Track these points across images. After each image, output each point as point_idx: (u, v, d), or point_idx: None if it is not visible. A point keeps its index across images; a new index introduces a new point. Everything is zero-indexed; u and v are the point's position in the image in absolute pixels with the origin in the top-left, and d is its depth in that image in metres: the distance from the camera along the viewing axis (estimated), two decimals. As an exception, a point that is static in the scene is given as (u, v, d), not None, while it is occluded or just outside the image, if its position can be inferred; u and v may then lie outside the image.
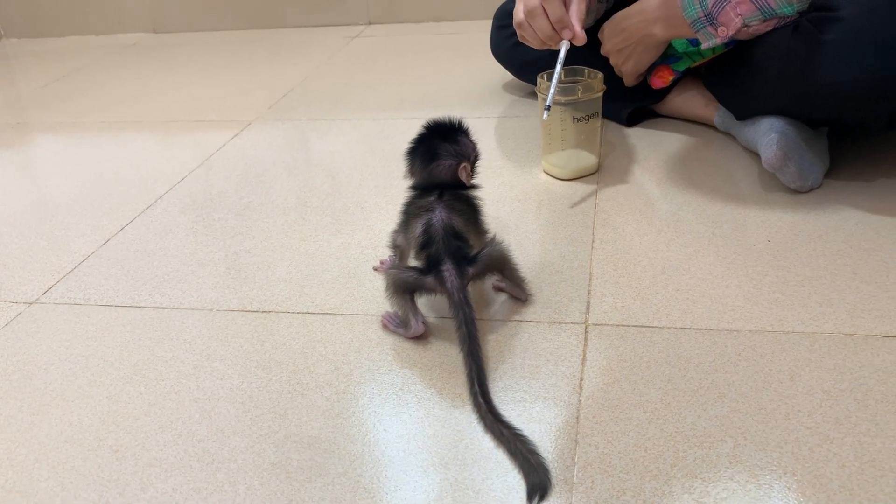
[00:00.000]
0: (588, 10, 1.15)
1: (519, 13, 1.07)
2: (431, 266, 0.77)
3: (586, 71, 1.10)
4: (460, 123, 0.85)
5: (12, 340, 0.87)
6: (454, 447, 0.67)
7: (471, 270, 0.78)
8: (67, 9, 2.28)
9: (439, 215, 0.80)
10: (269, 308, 0.89)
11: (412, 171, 0.85)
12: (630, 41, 1.17)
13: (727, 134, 1.22)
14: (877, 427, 0.65)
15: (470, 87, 1.58)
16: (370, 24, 2.15)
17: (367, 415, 0.71)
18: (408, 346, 0.80)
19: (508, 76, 1.56)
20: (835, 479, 0.60)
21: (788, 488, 0.60)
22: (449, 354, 0.78)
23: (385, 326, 0.83)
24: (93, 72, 1.96)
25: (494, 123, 1.38)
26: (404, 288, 0.80)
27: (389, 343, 0.81)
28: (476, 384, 0.69)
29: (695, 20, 1.04)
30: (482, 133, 1.34)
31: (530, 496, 0.61)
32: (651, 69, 1.23)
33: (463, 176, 0.83)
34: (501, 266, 0.83)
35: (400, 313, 0.81)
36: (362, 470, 0.65)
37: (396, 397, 0.73)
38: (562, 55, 1.05)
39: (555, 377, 0.74)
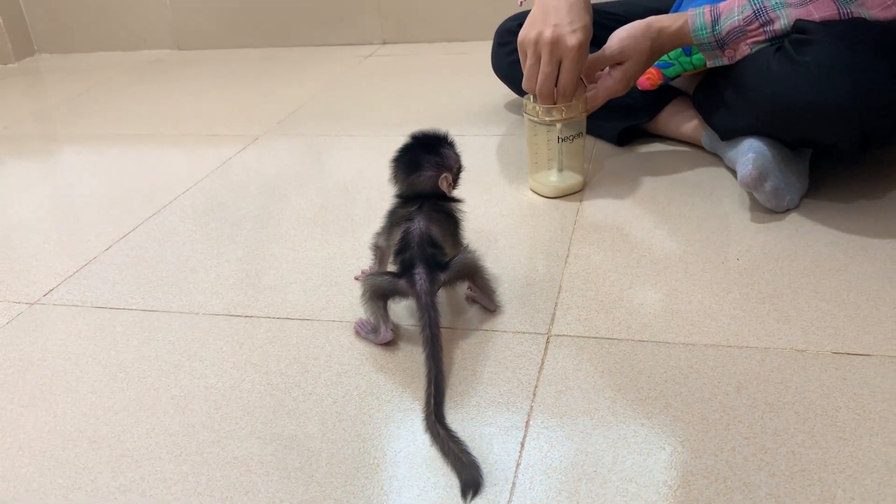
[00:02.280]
0: None
1: (528, 36, 1.08)
2: (405, 270, 0.81)
3: (570, 92, 1.13)
4: (445, 136, 0.89)
5: (11, 338, 0.93)
6: (406, 447, 0.70)
7: (442, 276, 0.82)
8: (96, 26, 2.37)
9: (418, 224, 0.83)
10: (251, 313, 0.93)
11: (396, 179, 0.89)
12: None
13: (715, 154, 1.24)
14: (812, 439, 0.67)
15: (474, 105, 1.62)
16: (384, 43, 2.21)
17: (330, 415, 0.75)
18: (376, 351, 0.84)
19: (512, 95, 1.60)
20: (763, 487, 0.63)
21: (717, 493, 0.62)
22: (414, 361, 0.82)
23: (357, 333, 0.87)
24: (115, 86, 2.04)
25: (491, 141, 1.42)
26: (379, 294, 0.84)
27: (359, 348, 0.85)
28: (432, 385, 0.73)
29: (703, 42, 1.07)
30: (479, 150, 1.38)
31: (464, 493, 0.64)
32: None
33: (443, 186, 0.87)
34: (472, 274, 0.86)
35: (372, 320, 0.84)
36: (318, 465, 0.69)
37: (359, 399, 0.77)
38: None
39: (511, 384, 0.77)
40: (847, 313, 0.83)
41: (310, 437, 0.72)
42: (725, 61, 1.08)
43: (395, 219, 0.86)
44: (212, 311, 0.94)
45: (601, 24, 1.23)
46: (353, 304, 0.92)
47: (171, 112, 1.78)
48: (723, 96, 1.14)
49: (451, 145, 0.89)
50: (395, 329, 0.85)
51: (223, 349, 0.87)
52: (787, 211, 1.05)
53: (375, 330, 0.84)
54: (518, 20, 1.46)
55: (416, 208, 0.85)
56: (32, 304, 1.00)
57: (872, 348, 0.77)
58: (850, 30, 0.95)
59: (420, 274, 0.80)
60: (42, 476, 0.71)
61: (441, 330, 0.78)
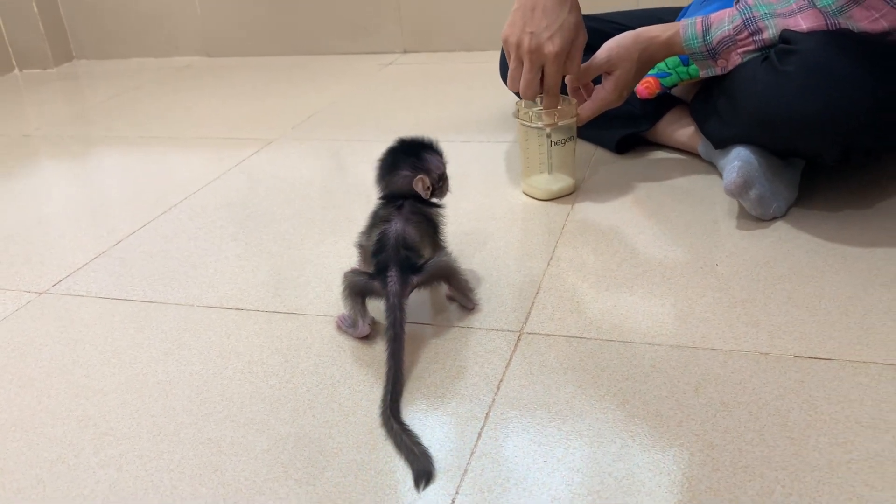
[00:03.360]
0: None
1: (508, 38, 1.10)
2: (379, 272, 0.85)
3: (561, 98, 1.15)
4: (431, 142, 0.92)
5: (18, 324, 0.98)
6: (369, 433, 0.73)
7: (414, 279, 0.85)
8: (131, 33, 2.47)
9: (395, 226, 0.87)
10: (242, 306, 0.97)
11: (378, 179, 0.93)
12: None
13: (710, 163, 1.25)
14: (760, 437, 0.68)
15: (484, 112, 1.65)
16: (405, 52, 2.25)
17: (302, 402, 0.79)
18: (353, 344, 0.87)
19: (521, 103, 1.63)
20: (704, 481, 0.64)
21: (659, 486, 0.64)
22: (388, 353, 0.85)
23: (338, 326, 0.90)
24: (146, 91, 2.12)
25: (495, 147, 1.45)
26: (356, 290, 0.87)
27: (338, 341, 0.88)
28: (390, 382, 0.76)
29: (695, 52, 1.09)
30: (481, 156, 1.41)
31: (417, 482, 0.67)
32: None
33: (419, 187, 0.90)
34: (447, 276, 0.89)
35: (351, 314, 0.88)
36: (284, 448, 0.72)
37: (332, 388, 0.80)
38: None
39: (477, 378, 0.80)
40: (816, 319, 0.84)
41: (280, 422, 0.76)
42: (718, 71, 1.10)
43: (375, 220, 0.90)
44: (206, 303, 0.99)
45: (602, 32, 1.26)
46: (338, 300, 0.95)
47: (194, 116, 1.85)
48: (715, 105, 1.16)
49: (435, 151, 0.91)
50: (373, 324, 0.88)
51: (211, 339, 0.91)
52: (774, 219, 1.06)
53: (354, 324, 0.87)
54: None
55: (395, 209, 0.88)
56: (41, 294, 1.05)
57: (835, 353, 0.78)
58: (832, 40, 0.96)
59: (392, 276, 0.83)
60: (30, 450, 0.75)
61: (405, 331, 0.81)
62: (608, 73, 1.14)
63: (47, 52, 2.46)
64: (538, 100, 1.17)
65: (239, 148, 1.57)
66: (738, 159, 1.05)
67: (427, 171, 0.90)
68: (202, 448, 0.74)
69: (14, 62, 2.50)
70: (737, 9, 1.06)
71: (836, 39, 0.97)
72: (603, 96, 1.15)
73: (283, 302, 0.97)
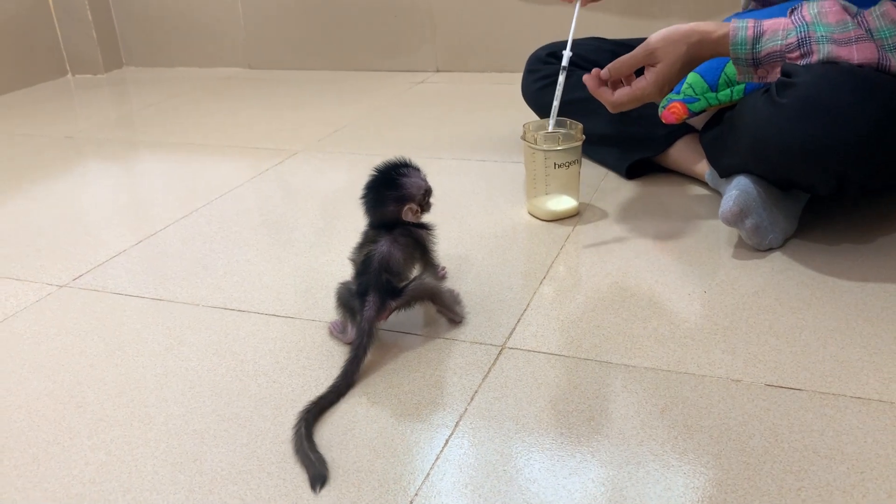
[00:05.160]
0: None
1: None
2: (359, 294, 0.88)
3: (567, 122, 1.18)
4: (408, 164, 0.95)
5: (36, 314, 1.05)
6: (343, 434, 0.77)
7: (393, 303, 0.89)
8: (178, 43, 2.57)
9: (380, 249, 0.90)
10: (244, 308, 1.02)
11: (366, 214, 0.96)
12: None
13: (717, 191, 1.26)
14: (716, 461, 0.70)
15: (504, 132, 1.69)
16: (438, 71, 2.30)
17: (285, 401, 0.83)
18: (342, 350, 0.91)
19: (542, 125, 1.65)
20: (655, 500, 0.66)
21: (609, 501, 0.66)
22: (373, 361, 0.88)
23: (330, 332, 0.94)
24: (187, 99, 2.21)
25: (508, 167, 1.48)
26: (344, 302, 0.91)
27: (328, 346, 0.92)
28: (328, 392, 0.81)
29: (739, 57, 1.05)
30: (492, 175, 1.44)
31: (313, 485, 0.70)
32: (664, 104, 1.25)
33: (408, 217, 0.93)
34: (430, 297, 0.92)
35: (342, 321, 0.92)
36: (261, 443, 0.76)
37: (315, 390, 0.84)
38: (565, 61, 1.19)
39: (454, 388, 0.83)
40: (793, 349, 0.85)
41: (262, 419, 0.80)
42: (756, 80, 1.07)
43: (365, 240, 0.93)
44: (211, 303, 1.04)
45: (617, 55, 1.28)
46: (334, 307, 1.00)
47: (228, 125, 1.92)
48: (722, 134, 1.17)
49: (415, 173, 0.94)
50: (363, 331, 0.92)
51: (210, 337, 0.96)
52: (771, 250, 1.07)
53: (344, 330, 0.91)
54: (548, 49, 1.52)
55: (384, 231, 0.92)
56: (61, 287, 1.12)
57: (806, 384, 0.79)
58: (828, 75, 0.96)
59: (369, 301, 0.86)
60: (31, 430, 0.81)
61: (367, 354, 0.85)
62: (650, 66, 1.09)
63: (98, 59, 2.58)
64: (546, 123, 1.20)
65: (265, 158, 1.63)
66: (736, 188, 1.07)
67: (412, 198, 0.93)
68: (186, 438, 0.78)
69: (68, 66, 2.62)
70: (793, 22, 1.02)
71: (832, 74, 0.97)
72: (643, 86, 1.09)
73: (283, 306, 1.02)
